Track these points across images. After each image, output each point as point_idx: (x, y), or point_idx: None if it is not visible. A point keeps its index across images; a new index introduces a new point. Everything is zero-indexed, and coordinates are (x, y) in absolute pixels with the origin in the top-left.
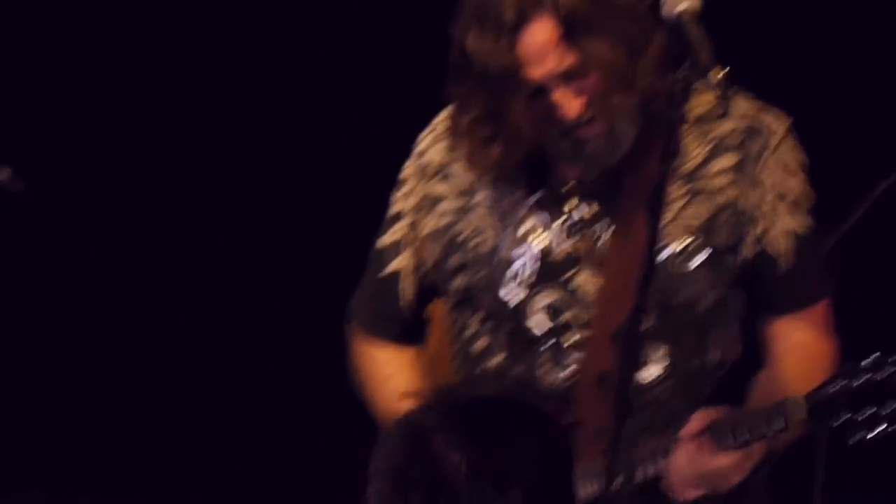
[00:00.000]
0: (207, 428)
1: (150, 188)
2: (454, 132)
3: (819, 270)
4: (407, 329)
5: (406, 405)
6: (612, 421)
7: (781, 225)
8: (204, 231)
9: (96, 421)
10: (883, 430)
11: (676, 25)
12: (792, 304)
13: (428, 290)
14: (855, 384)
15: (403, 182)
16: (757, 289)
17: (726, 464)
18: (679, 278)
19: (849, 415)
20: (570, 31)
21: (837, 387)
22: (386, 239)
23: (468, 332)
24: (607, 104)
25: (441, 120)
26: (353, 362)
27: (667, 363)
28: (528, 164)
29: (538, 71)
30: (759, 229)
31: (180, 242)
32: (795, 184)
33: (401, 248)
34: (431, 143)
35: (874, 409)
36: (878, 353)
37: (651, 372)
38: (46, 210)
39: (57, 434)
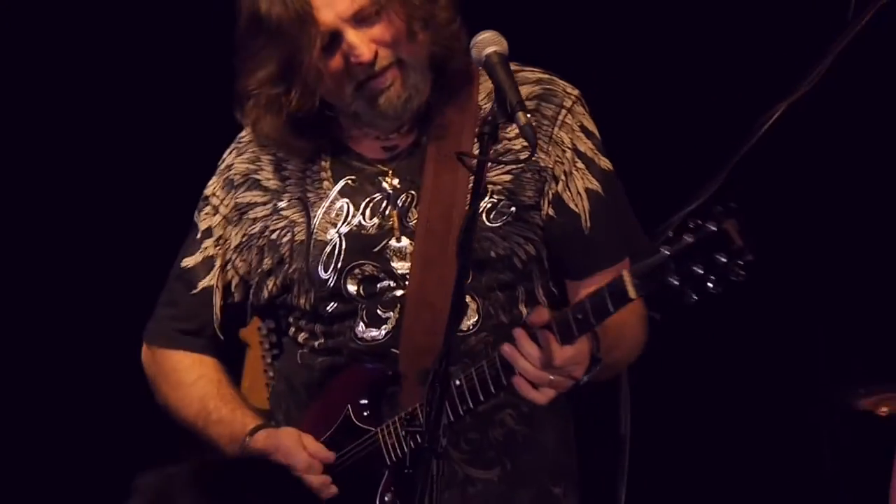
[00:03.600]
0: None
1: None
2: (240, 96)
3: (619, 232)
4: (215, 347)
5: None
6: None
7: (581, 183)
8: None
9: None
10: (708, 286)
11: (486, 67)
12: (593, 266)
13: (237, 305)
14: (671, 250)
15: (208, 199)
16: (563, 248)
17: (572, 354)
18: (490, 234)
19: (674, 278)
20: None
21: (656, 256)
22: (196, 257)
23: (291, 332)
24: (398, 50)
25: (245, 134)
26: (152, 374)
27: (476, 318)
28: (330, 156)
29: (329, 14)
30: (559, 185)
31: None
32: (592, 145)
33: (212, 264)
34: (236, 156)
35: (696, 269)
36: (680, 215)
37: (464, 324)
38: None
39: None
